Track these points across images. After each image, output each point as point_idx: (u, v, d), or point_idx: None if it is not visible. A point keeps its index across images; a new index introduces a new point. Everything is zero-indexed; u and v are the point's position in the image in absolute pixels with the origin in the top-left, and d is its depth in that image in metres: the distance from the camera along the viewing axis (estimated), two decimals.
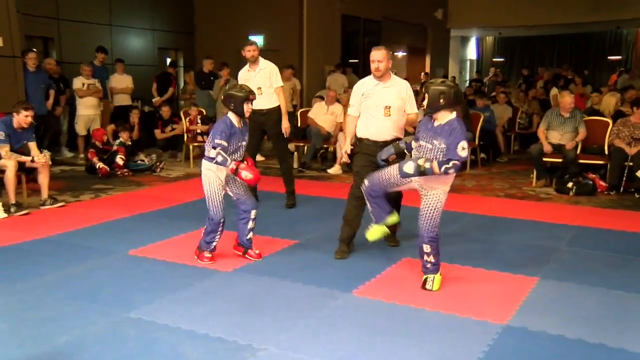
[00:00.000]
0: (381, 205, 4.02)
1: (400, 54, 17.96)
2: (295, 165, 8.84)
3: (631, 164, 6.89)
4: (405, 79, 4.98)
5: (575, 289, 3.91)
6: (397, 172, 3.81)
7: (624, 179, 6.97)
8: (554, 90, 11.82)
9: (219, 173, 4.20)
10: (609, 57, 20.10)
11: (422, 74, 15.76)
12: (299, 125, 9.22)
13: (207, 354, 2.98)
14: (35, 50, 8.76)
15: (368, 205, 4.09)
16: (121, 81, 9.98)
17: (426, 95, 3.70)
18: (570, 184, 6.95)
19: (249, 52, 5.92)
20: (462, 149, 3.59)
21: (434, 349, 3.06)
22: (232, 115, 4.20)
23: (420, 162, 3.66)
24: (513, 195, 6.98)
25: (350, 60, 13.45)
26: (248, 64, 6.02)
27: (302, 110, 9.62)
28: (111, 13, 11.25)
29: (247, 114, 4.19)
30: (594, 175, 7.11)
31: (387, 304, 3.63)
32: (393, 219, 4.09)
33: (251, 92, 4.21)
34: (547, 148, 7.29)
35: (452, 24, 17.76)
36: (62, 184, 7.22)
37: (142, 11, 12.01)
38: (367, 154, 4.43)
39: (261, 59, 6.01)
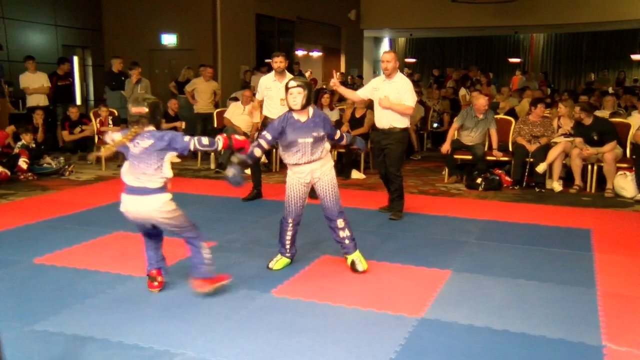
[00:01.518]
0: (294, 238, 4.22)
1: (315, 54, 18.15)
2: (212, 166, 8.71)
3: (532, 159, 7.34)
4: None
5: (484, 280, 4.11)
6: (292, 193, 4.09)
7: (526, 174, 7.41)
8: (462, 91, 12.38)
9: None
10: (509, 60, 21.38)
11: (338, 73, 15.99)
12: (215, 126, 9.09)
13: None
14: None
15: (286, 238, 4.19)
16: (35, 80, 9.37)
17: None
18: (479, 180, 7.30)
19: (275, 63, 6.11)
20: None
21: (353, 345, 3.11)
22: None
23: (233, 159, 3.84)
24: (426, 192, 7.24)
25: (266, 60, 13.42)
26: (274, 72, 6.19)
27: (218, 110, 9.49)
28: (2, 5, 10.46)
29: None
30: (500, 171, 7.51)
31: (306, 302, 3.65)
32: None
33: None
34: (446, 148, 7.52)
35: (365, 24, 18.15)
36: None
37: (41, 4, 11.30)
38: (376, 141, 5.77)
39: (287, 73, 6.18)
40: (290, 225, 4.17)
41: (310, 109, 3.99)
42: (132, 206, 3.47)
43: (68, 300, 3.62)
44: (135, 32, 11.91)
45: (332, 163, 4.14)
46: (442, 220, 5.78)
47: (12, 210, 5.96)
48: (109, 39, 12.39)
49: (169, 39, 12.18)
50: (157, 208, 3.44)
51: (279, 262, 4.23)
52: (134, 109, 3.43)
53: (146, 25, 11.94)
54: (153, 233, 3.69)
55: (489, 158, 7.57)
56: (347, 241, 4.11)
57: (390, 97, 5.38)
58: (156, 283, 3.76)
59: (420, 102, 11.05)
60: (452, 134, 7.74)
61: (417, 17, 17.43)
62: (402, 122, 5.50)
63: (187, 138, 3.53)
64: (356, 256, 4.14)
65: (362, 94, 5.81)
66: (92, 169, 8.53)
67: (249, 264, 4.35)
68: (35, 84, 9.36)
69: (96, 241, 4.87)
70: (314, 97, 4.10)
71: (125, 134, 3.44)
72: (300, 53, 16.64)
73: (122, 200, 3.52)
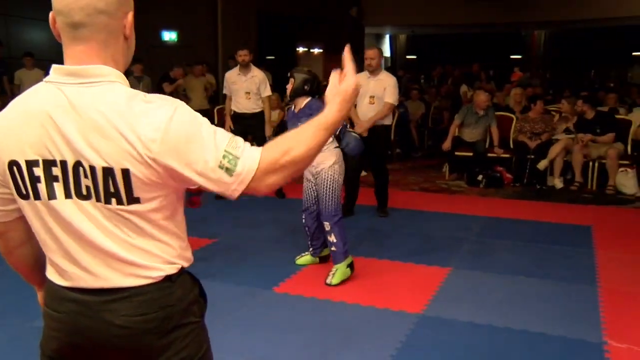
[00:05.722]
0: (320, 237, 4.14)
1: (316, 51, 18.13)
2: None
3: (533, 156, 7.33)
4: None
5: (484, 277, 4.11)
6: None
7: (527, 171, 7.40)
8: (463, 87, 12.34)
9: None
10: (511, 57, 21.38)
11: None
12: (216, 123, 9.07)
13: None
14: None
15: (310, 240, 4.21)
16: (31, 76, 9.37)
17: (292, 80, 3.86)
18: (480, 177, 7.29)
19: (240, 56, 6.17)
20: None
21: (354, 341, 3.11)
22: None
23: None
24: (427, 189, 7.23)
25: (267, 57, 13.40)
26: (238, 66, 6.26)
27: (219, 107, 9.46)
28: (7, 1, 10.42)
29: None
30: (501, 168, 7.50)
31: (307, 298, 3.66)
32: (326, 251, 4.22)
33: None
34: (447, 145, 7.55)
35: (367, 21, 18.13)
36: None
37: (40, 1, 11.28)
38: None
39: (252, 66, 6.25)
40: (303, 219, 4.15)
41: (306, 100, 3.86)
42: None
43: None
44: (135, 28, 11.88)
45: (334, 160, 3.92)
46: (442, 217, 5.78)
47: None
48: None
49: (169, 36, 12.16)
50: None
51: (303, 258, 4.31)
52: None
53: (145, 22, 11.90)
54: None
55: (490, 155, 7.56)
56: (333, 248, 3.90)
57: (377, 94, 5.37)
58: None
59: (421, 99, 11.05)
60: (453, 131, 7.73)
61: (418, 14, 17.39)
62: (388, 119, 5.61)
63: None
64: (336, 268, 3.90)
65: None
66: None
67: (250, 261, 4.36)
68: (30, 80, 9.35)
69: None
70: (315, 88, 3.84)
71: None
72: (301, 50, 16.63)
73: None
